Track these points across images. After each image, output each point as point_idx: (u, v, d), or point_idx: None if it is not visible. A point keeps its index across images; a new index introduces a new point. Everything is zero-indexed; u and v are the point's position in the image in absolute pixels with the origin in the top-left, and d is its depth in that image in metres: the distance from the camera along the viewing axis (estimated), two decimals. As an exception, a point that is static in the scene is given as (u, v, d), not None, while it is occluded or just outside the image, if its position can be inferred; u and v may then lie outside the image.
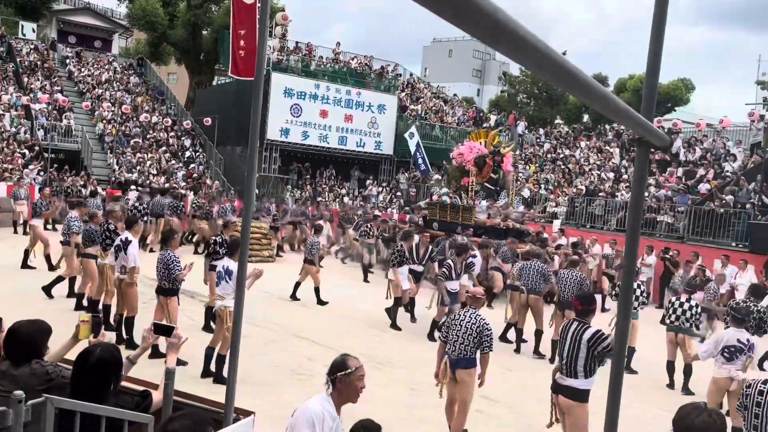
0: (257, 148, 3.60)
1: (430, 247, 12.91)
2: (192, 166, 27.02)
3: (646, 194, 20.88)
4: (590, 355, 5.26)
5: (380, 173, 30.20)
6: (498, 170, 16.85)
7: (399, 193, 27.33)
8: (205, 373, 7.35)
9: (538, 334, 9.98)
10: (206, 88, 36.19)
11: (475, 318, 6.10)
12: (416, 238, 12.62)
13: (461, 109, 34.89)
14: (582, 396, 5.34)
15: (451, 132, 31.43)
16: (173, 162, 26.81)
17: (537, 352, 9.93)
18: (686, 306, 8.79)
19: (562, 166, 26.15)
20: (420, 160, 22.27)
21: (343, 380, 3.56)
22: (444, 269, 10.15)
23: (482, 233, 15.46)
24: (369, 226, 17.96)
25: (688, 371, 8.67)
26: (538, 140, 30.47)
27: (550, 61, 0.86)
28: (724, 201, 18.81)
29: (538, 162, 27.69)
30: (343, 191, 28.37)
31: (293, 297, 12.20)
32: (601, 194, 21.77)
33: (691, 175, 21.44)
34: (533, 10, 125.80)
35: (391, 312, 11.06)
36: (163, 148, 27.50)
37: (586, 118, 36.22)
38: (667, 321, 8.96)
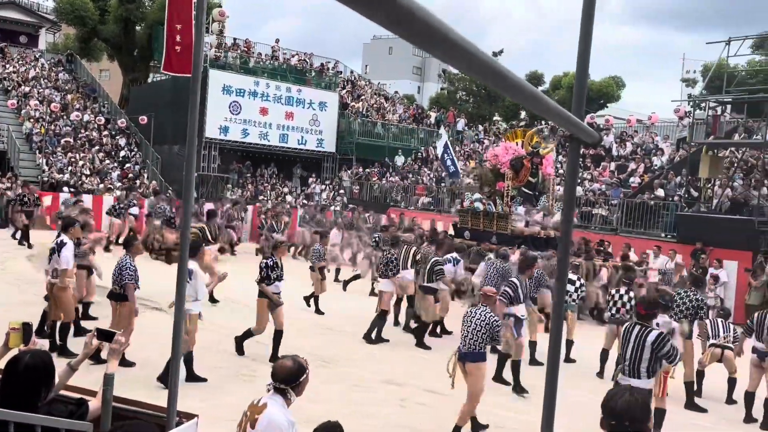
0: (196, 146, 3.54)
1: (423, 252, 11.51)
2: (127, 165, 26.20)
3: (582, 188, 21.60)
4: (653, 357, 5.68)
5: (323, 171, 30.08)
6: (536, 173, 15.46)
7: (342, 191, 27.30)
8: (191, 377, 7.37)
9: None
10: (141, 85, 35.12)
11: (484, 315, 6.53)
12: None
13: (402, 106, 35.11)
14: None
15: (393, 129, 31.60)
16: (107, 162, 25.92)
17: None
18: (625, 298, 9.17)
19: (501, 162, 26.70)
20: (449, 162, 20.55)
21: (304, 383, 3.59)
22: (507, 289, 8.41)
23: (520, 243, 13.90)
24: (378, 236, 15.88)
25: (568, 344, 9.50)
26: (478, 137, 31.02)
27: (480, 62, 0.89)
28: (654, 194, 19.65)
29: (477, 158, 28.19)
30: (286, 190, 28.11)
31: (317, 311, 11.93)
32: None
33: (623, 169, 22.28)
34: (473, 8, 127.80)
35: (376, 325, 10.10)
36: (97, 147, 26.54)
37: (523, 114, 37.09)
38: (608, 314, 9.34)
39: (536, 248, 13.35)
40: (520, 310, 8.26)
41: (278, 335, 8.47)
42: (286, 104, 28.22)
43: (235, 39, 30.39)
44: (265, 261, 8.75)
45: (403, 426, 6.70)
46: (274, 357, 8.06)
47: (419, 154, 30.19)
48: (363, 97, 33.15)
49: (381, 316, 10.20)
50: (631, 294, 9.20)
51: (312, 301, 12.05)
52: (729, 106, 22.57)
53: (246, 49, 30.06)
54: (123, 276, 7.65)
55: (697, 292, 8.71)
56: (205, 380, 7.41)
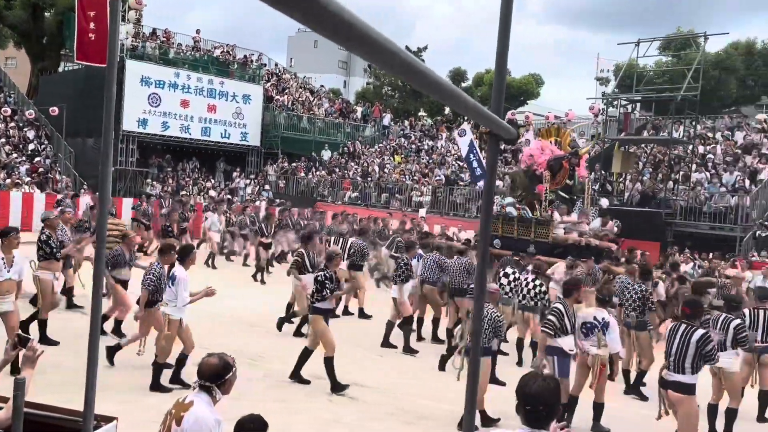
0: (112, 139, 3.40)
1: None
2: (37, 159, 24.78)
3: (502, 182, 22.24)
4: (698, 354, 5.96)
5: (247, 165, 29.56)
6: (573, 175, 14.34)
7: (267, 186, 26.92)
8: (174, 379, 7.19)
9: (436, 321, 10.49)
10: (52, 74, 33.26)
11: (487, 312, 6.66)
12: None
13: (328, 100, 34.98)
14: (690, 389, 6.03)
15: (319, 124, 31.44)
16: (15, 155, 24.43)
17: (436, 338, 10.40)
18: (531, 285, 9.51)
19: (426, 157, 27.11)
20: (475, 164, 18.53)
21: (231, 381, 3.54)
22: (552, 317, 6.95)
23: (561, 252, 12.75)
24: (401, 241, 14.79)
25: (533, 346, 9.30)
26: (404, 132, 31.35)
27: (400, 61, 0.91)
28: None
29: (403, 153, 28.48)
30: (209, 184, 27.44)
31: (362, 315, 11.50)
32: (461, 183, 22.85)
33: (542, 164, 23.09)
34: (399, 5, 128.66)
35: (404, 333, 9.70)
36: (2, 140, 24.98)
37: (447, 110, 37.75)
38: (515, 300, 9.63)
39: (578, 257, 12.16)
40: (567, 343, 6.88)
41: (307, 353, 7.66)
42: (208, 97, 27.52)
43: (154, 29, 29.31)
44: (321, 273, 7.76)
45: (330, 420, 6.71)
46: (295, 374, 7.63)
47: (346, 148, 30.18)
48: (288, 91, 32.78)
49: (405, 323, 9.78)
50: (538, 282, 9.57)
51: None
52: (639, 104, 23.84)
53: (165, 39, 29.06)
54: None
55: (643, 284, 9.02)
56: (189, 386, 7.07)
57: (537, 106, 37.95)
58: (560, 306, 7.01)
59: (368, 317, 11.65)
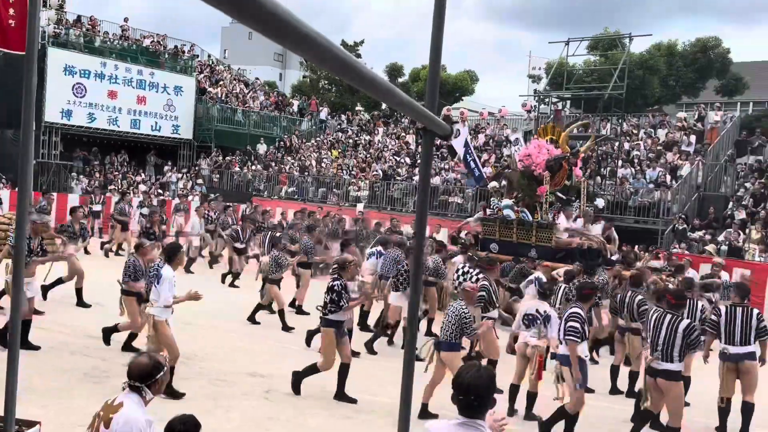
0: (33, 131, 3.24)
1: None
2: (-50, 151, 23.31)
3: (440, 178, 22.52)
4: (684, 343, 6.25)
5: (179, 159, 28.75)
6: (571, 175, 13.75)
7: (200, 180, 26.29)
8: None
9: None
10: (-34, 61, 31.31)
11: (457, 309, 6.80)
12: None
13: (263, 93, 34.44)
14: (677, 376, 6.34)
15: (254, 117, 30.92)
16: (-75, 147, 22.90)
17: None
18: (467, 276, 9.74)
19: (363, 152, 27.13)
20: (472, 164, 17.33)
21: (161, 380, 3.45)
22: (576, 322, 6.51)
23: (563, 257, 12.27)
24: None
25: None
26: (341, 126, 31.25)
27: (332, 56, 0.91)
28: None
29: (340, 147, 28.41)
30: (139, 178, 26.53)
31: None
32: (398, 178, 23.01)
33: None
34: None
35: (375, 334, 9.70)
36: None
37: (384, 105, 37.87)
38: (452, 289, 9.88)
39: (583, 261, 11.71)
40: (582, 349, 6.63)
41: (344, 369, 7.27)
42: (137, 88, 26.58)
43: (78, 16, 28.02)
44: (332, 284, 7.37)
45: (266, 417, 6.64)
46: (339, 394, 7.25)
47: (282, 142, 29.82)
48: (222, 83, 32.08)
49: (385, 327, 9.79)
50: (473, 271, 9.78)
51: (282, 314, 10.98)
52: (569, 102, 24.60)
53: (91, 26, 27.84)
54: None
55: (590, 278, 9.30)
56: (183, 395, 6.79)
57: (472, 102, 38.63)
58: (580, 310, 6.64)
59: (306, 314, 11.60)
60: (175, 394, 6.63)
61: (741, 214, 17.14)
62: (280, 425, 6.50)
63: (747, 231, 16.21)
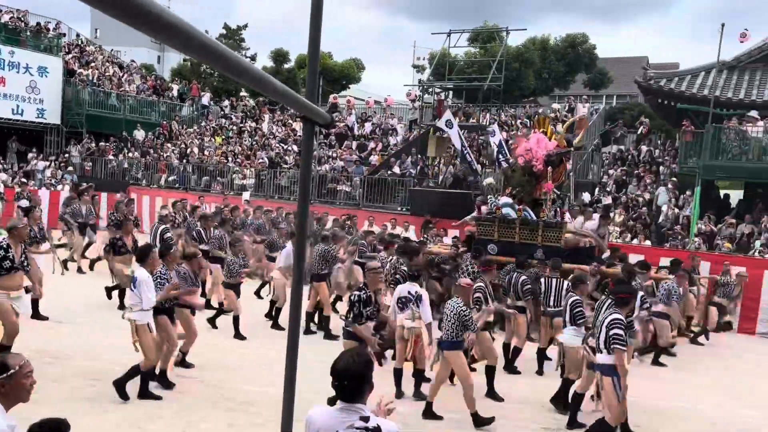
0: None
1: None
2: None
3: (328, 165, 22.50)
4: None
5: (46, 145, 26.64)
6: (565, 171, 13.15)
7: (71, 168, 24.52)
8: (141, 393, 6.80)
9: (320, 312, 10.63)
10: None
11: (454, 306, 6.76)
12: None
13: (140, 76, 32.64)
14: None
15: (130, 101, 29.25)
16: None
17: (318, 326, 10.53)
18: (389, 266, 9.90)
19: (249, 139, 26.50)
20: (468, 157, 16.34)
21: (7, 383, 3.17)
22: (621, 330, 6.18)
23: (570, 257, 11.49)
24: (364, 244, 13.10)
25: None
26: (224, 112, 30.29)
27: (198, 42, 0.88)
28: (391, 171, 21.32)
29: (224, 134, 27.57)
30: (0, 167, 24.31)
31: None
32: (285, 166, 22.72)
33: (363, 148, 23.73)
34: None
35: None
36: None
37: (270, 91, 37.07)
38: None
39: (590, 260, 11.36)
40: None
41: None
42: (-5, 67, 24.28)
43: None
44: (357, 294, 6.87)
45: (144, 417, 6.37)
46: (428, 412, 6.88)
47: (161, 128, 28.45)
48: (93, 65, 30.02)
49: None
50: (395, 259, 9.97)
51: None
52: (451, 92, 25.38)
53: (-62, -3, 25.04)
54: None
55: (476, 264, 9.47)
56: (159, 398, 6.81)
57: (359, 91, 38.83)
58: (621, 316, 6.30)
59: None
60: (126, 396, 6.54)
61: (607, 200, 18.52)
62: (160, 423, 6.26)
63: (611, 215, 17.55)
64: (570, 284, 8.01)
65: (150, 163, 24.88)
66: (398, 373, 7.53)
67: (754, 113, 17.53)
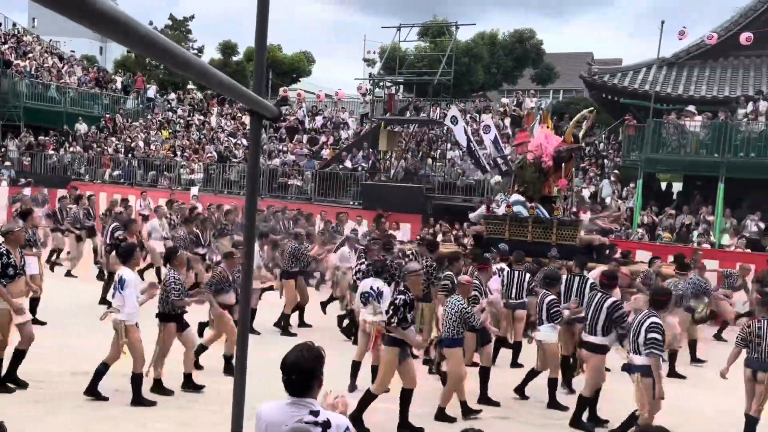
0: None
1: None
2: None
3: (279, 160, 22.29)
4: (608, 318, 6.72)
5: (-19, 139, 25.51)
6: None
7: (8, 163, 23.54)
8: (90, 390, 6.57)
9: (295, 310, 10.59)
10: None
11: (455, 304, 6.80)
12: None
13: (82, 68, 31.54)
14: (600, 349, 6.78)
15: (71, 94, 28.24)
16: None
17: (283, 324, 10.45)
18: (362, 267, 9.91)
19: (197, 133, 25.98)
20: (476, 153, 15.36)
21: None
22: (658, 334, 6.06)
23: (584, 256, 10.78)
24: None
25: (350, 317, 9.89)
26: (170, 105, 29.58)
27: (139, 35, 0.85)
28: (342, 165, 21.28)
29: (171, 128, 26.94)
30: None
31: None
32: (235, 160, 22.38)
33: (314, 142, 23.58)
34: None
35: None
36: None
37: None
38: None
39: (600, 259, 11.20)
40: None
41: (407, 396, 6.40)
42: (-77, 57, 23.06)
43: None
44: (401, 298, 6.39)
45: (95, 415, 6.21)
46: (402, 426, 6.42)
47: (104, 121, 27.58)
48: (31, 55, 28.84)
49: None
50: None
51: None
52: (402, 86, 25.44)
53: None
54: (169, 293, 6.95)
55: (428, 258, 9.34)
56: (154, 403, 6.65)
57: (309, 84, 38.48)
58: (658, 319, 6.17)
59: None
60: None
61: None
62: (112, 423, 6.11)
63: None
64: (544, 283, 8.08)
65: (93, 158, 24.12)
66: (356, 366, 7.58)
67: (691, 108, 18.22)
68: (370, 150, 21.59)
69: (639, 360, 6.12)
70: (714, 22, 23.37)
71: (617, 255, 11.57)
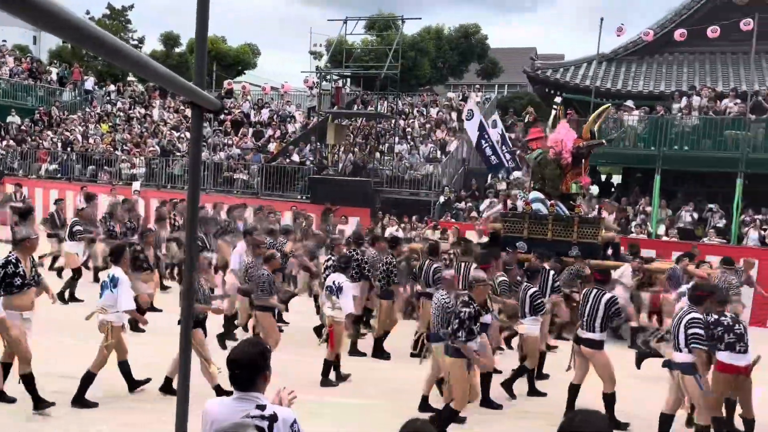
0: None
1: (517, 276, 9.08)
2: None
3: (224, 153, 21.90)
4: (605, 314, 6.77)
5: None
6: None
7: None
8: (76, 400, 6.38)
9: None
10: None
11: (439, 300, 6.78)
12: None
13: (14, 58, 30.14)
14: (599, 345, 6.81)
15: (3, 85, 26.99)
16: None
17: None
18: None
19: (138, 126, 25.24)
20: (488, 150, 14.35)
21: None
22: (699, 329, 6.06)
23: (604, 252, 11.24)
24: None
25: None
26: (109, 98, 28.63)
27: (68, 23, 0.82)
28: (290, 159, 21.07)
29: (111, 121, 26.09)
30: None
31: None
32: (178, 154, 21.88)
33: (260, 135, 23.27)
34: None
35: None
36: None
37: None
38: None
39: (617, 257, 11.26)
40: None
41: (452, 409, 6.26)
42: None
43: None
44: (466, 311, 6.07)
45: (37, 414, 6.00)
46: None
47: (39, 114, 26.47)
48: (-42, 44, 27.42)
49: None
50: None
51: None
52: (349, 80, 25.38)
53: None
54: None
55: (388, 255, 9.41)
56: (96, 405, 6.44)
57: (254, 77, 37.91)
58: (699, 315, 6.11)
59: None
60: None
61: (502, 185, 19.29)
62: (55, 423, 5.91)
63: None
64: (526, 276, 8.23)
65: (27, 152, 23.14)
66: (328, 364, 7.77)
67: (630, 103, 18.84)
68: (318, 144, 21.47)
69: (680, 357, 6.04)
70: (650, 20, 24.24)
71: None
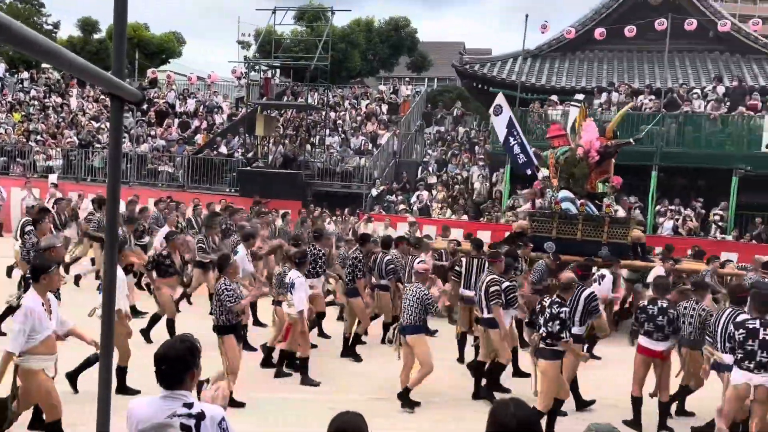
0: None
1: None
2: None
3: (148, 145, 21.16)
4: (585, 309, 6.87)
5: None
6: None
7: None
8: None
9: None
10: None
11: (416, 291, 6.84)
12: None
13: None
14: (577, 339, 6.76)
15: None
16: None
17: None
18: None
19: (54, 116, 23.99)
20: (516, 148, 13.77)
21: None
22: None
23: (631, 252, 11.13)
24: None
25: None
26: (22, 86, 27.05)
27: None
28: (217, 151, 20.59)
29: (24, 110, 24.67)
30: None
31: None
32: (98, 146, 20.97)
33: (186, 126, 22.61)
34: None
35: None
36: None
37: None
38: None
39: (644, 257, 11.21)
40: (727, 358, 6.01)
41: (557, 405, 6.28)
42: None
43: None
44: (564, 310, 6.11)
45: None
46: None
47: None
48: None
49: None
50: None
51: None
52: (278, 71, 25.01)
53: None
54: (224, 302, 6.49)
55: (320, 248, 9.20)
56: (138, 392, 6.33)
57: (180, 66, 36.71)
58: (746, 316, 5.89)
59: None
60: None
61: (432, 179, 19.54)
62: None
63: (434, 192, 18.57)
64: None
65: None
66: (298, 357, 7.76)
67: (554, 98, 19.47)
68: (247, 135, 21.07)
69: (729, 359, 5.81)
70: (572, 18, 25.10)
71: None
